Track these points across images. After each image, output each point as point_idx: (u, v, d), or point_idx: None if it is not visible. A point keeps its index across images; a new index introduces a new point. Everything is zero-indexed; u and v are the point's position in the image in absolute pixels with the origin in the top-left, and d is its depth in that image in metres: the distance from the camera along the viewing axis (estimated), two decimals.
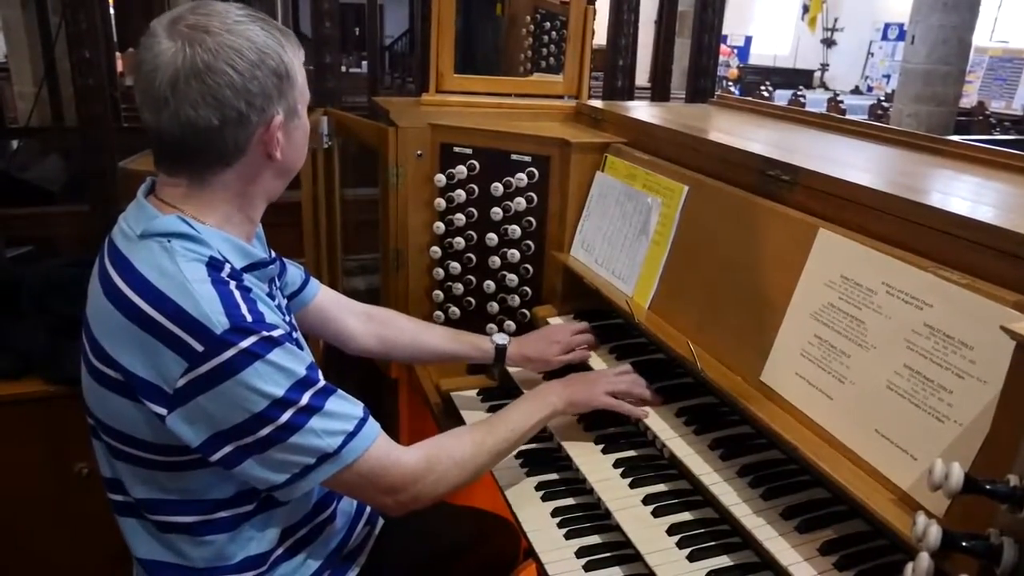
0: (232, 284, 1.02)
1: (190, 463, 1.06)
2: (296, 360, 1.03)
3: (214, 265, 1.02)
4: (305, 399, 1.02)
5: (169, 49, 0.99)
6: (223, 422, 0.99)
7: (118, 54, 6.23)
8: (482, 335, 1.65)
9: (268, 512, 1.16)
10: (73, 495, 2.01)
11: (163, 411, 0.99)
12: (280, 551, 1.20)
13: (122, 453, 1.08)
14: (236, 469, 1.03)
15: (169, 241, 1.02)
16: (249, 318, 0.99)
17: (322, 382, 1.06)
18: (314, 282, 1.49)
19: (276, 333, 1.01)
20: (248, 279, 1.07)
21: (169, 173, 1.08)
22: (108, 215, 1.14)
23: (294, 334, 1.17)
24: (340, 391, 1.08)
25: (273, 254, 1.32)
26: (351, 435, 1.05)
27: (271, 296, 1.16)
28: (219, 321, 0.97)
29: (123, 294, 1.00)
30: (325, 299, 1.50)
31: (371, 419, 1.10)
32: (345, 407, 1.07)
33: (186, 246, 1.02)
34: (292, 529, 1.22)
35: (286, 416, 1.00)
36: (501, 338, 1.64)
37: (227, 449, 1.01)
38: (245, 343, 0.98)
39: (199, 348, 0.97)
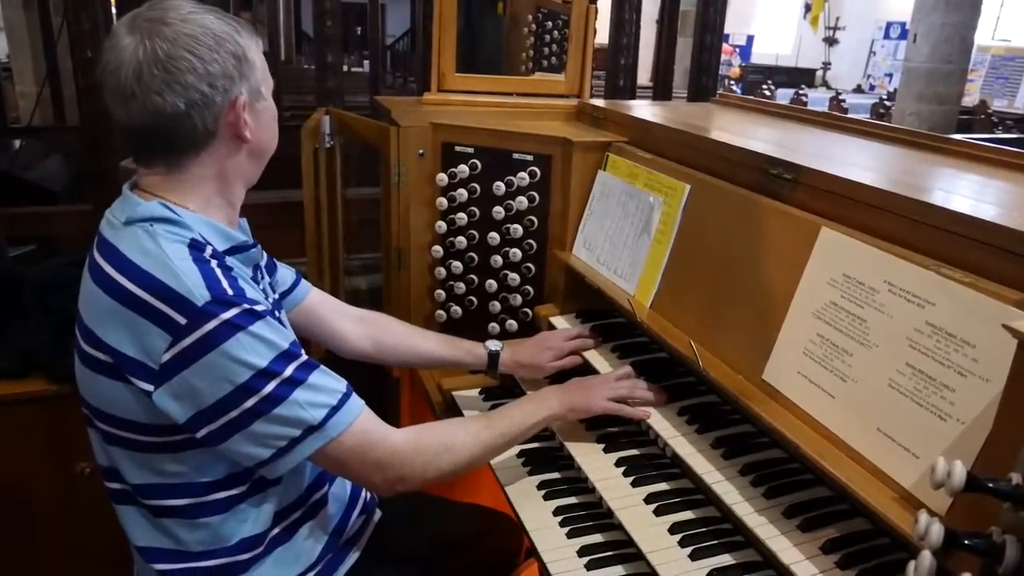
0: (214, 263, 1.05)
1: (181, 444, 1.07)
2: (279, 334, 1.05)
3: (195, 246, 1.05)
4: (288, 371, 1.04)
5: (130, 44, 1.04)
6: (208, 396, 1.01)
7: None
8: (476, 342, 1.65)
9: (261, 493, 1.17)
10: (75, 494, 2.01)
11: (150, 388, 1.01)
12: (276, 531, 1.21)
13: (115, 438, 1.10)
14: (223, 445, 1.04)
15: (152, 225, 1.05)
16: (230, 291, 1.02)
17: (304, 357, 1.08)
18: (305, 283, 1.50)
19: (258, 307, 1.04)
20: (230, 261, 1.10)
21: (147, 165, 1.12)
22: None
23: (277, 313, 1.18)
24: (323, 367, 1.10)
25: (257, 243, 1.33)
26: (335, 408, 1.07)
27: (256, 280, 1.18)
28: (200, 294, 0.99)
29: (109, 277, 1.02)
30: (317, 300, 1.51)
31: (355, 395, 1.12)
32: (329, 381, 1.09)
33: (168, 229, 1.05)
34: (286, 511, 1.23)
35: (270, 387, 1.02)
36: (494, 344, 1.63)
37: (213, 425, 1.02)
38: (227, 315, 1.00)
39: (182, 321, 0.99)
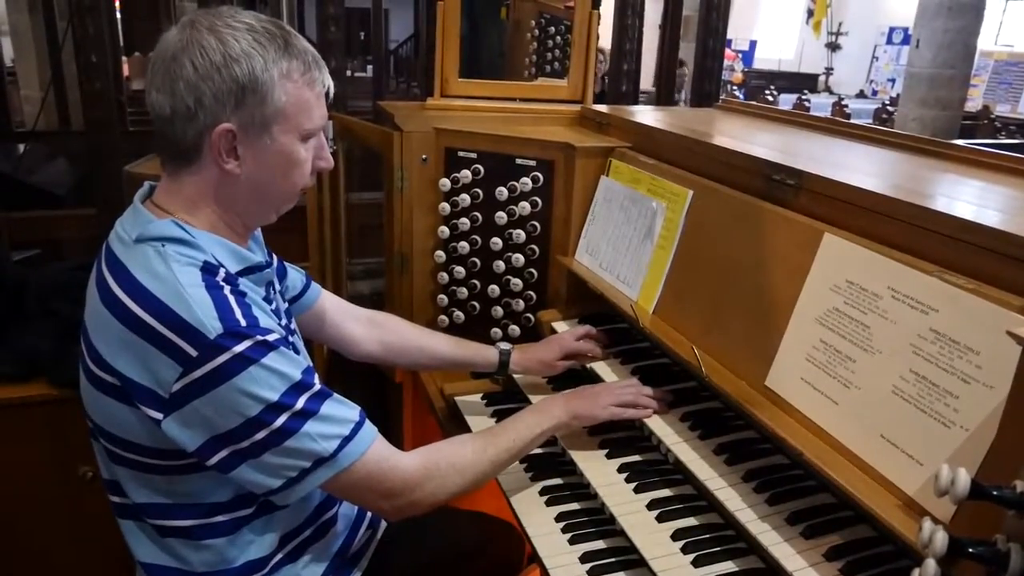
0: (227, 289, 1.02)
1: (187, 467, 1.06)
2: (291, 364, 1.03)
3: (208, 269, 1.03)
4: (300, 403, 1.02)
5: (170, 35, 1.05)
6: (219, 426, 0.99)
7: (124, 58, 6.26)
8: (484, 343, 1.65)
9: (267, 516, 1.16)
10: (77, 498, 2.01)
11: (159, 416, 0.99)
12: (281, 555, 1.20)
13: (120, 457, 1.09)
14: (232, 473, 1.03)
15: (163, 245, 1.02)
16: (243, 323, 1.00)
17: (317, 386, 1.05)
18: (315, 287, 1.49)
19: (271, 337, 1.01)
20: (243, 283, 1.07)
21: (160, 160, 1.12)
22: (114, 218, 1.14)
23: (290, 338, 1.17)
24: (336, 395, 1.08)
25: (273, 257, 1.32)
26: (347, 439, 1.05)
27: (268, 300, 1.16)
28: (213, 326, 0.97)
29: (118, 299, 1.00)
30: (327, 304, 1.50)
31: (368, 423, 1.10)
32: (341, 411, 1.07)
33: (180, 250, 1.03)
34: (293, 533, 1.22)
35: (281, 420, 1.00)
36: (505, 345, 1.64)
37: (223, 453, 1.01)
38: (239, 347, 0.98)
39: (193, 353, 0.97)
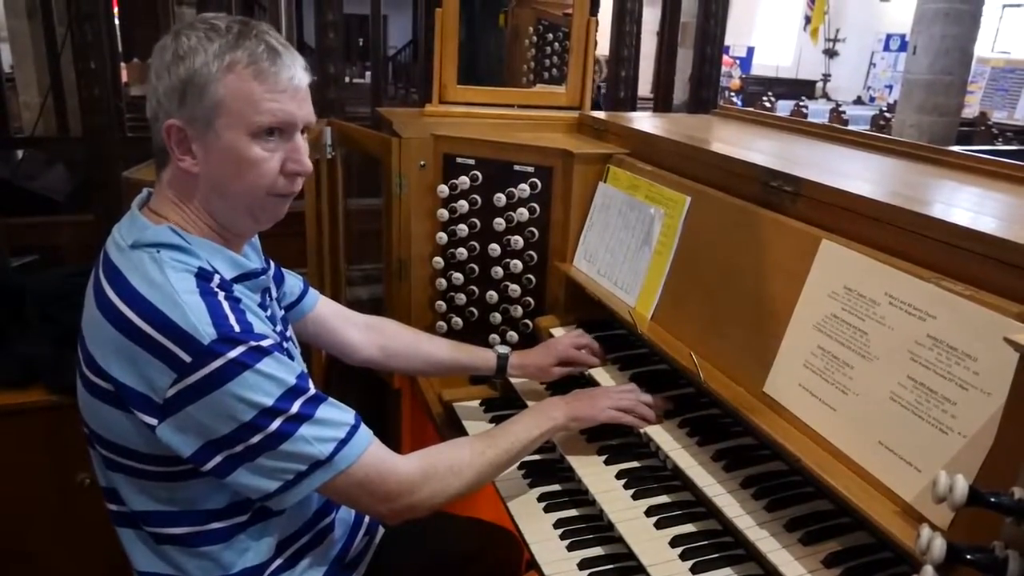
0: (221, 295, 1.02)
1: (183, 473, 1.06)
2: (286, 369, 1.03)
3: (203, 276, 1.03)
4: (295, 408, 1.02)
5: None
6: (213, 432, 0.99)
7: (123, 65, 6.26)
8: (483, 347, 1.65)
9: (264, 522, 1.15)
10: (75, 505, 2.00)
11: (154, 421, 1.00)
12: (279, 561, 1.20)
13: (116, 464, 1.09)
14: (228, 478, 1.03)
15: (158, 252, 1.03)
16: (237, 328, 1.00)
17: (312, 390, 1.06)
18: (313, 292, 1.49)
19: (265, 343, 1.01)
20: (238, 289, 1.08)
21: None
22: (112, 225, 1.14)
23: (285, 344, 1.17)
24: (331, 399, 1.08)
25: (271, 263, 1.32)
26: (343, 442, 1.05)
27: (263, 306, 1.16)
28: (206, 332, 0.97)
29: (113, 305, 1.00)
30: (325, 310, 1.50)
31: (363, 426, 1.10)
32: (336, 414, 1.07)
33: (175, 257, 1.03)
34: (290, 539, 1.22)
35: (276, 424, 1.00)
36: (503, 348, 1.65)
37: (218, 458, 1.01)
38: (233, 353, 0.98)
39: (187, 359, 0.97)
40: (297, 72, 1.08)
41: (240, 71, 1.03)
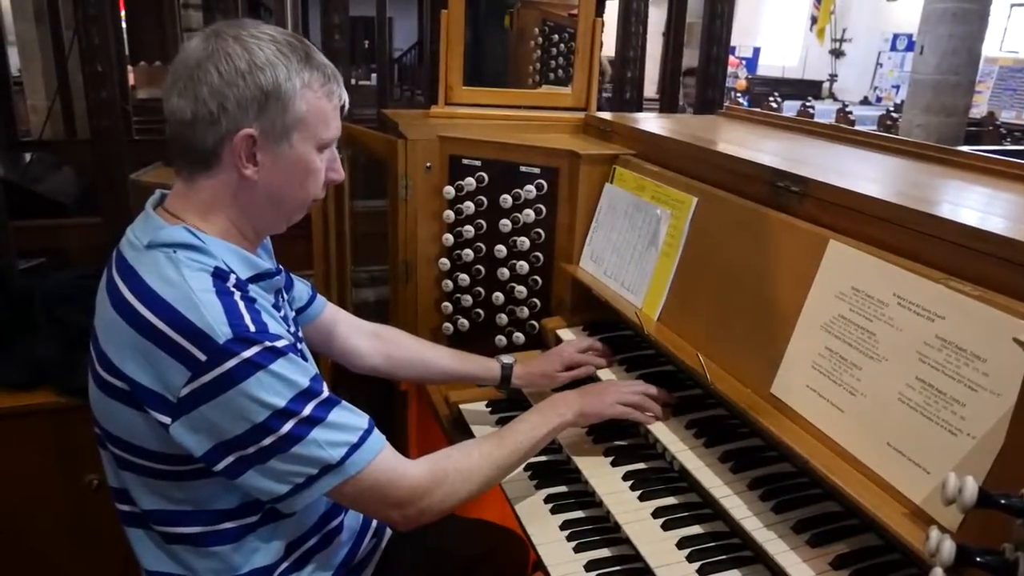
0: (237, 295, 1.03)
1: (195, 473, 1.06)
2: (299, 371, 1.03)
3: (219, 275, 1.04)
4: (307, 410, 1.02)
5: (193, 44, 1.06)
6: (226, 432, 1.00)
7: (130, 68, 6.28)
8: (487, 357, 1.65)
9: (274, 524, 1.16)
10: (84, 506, 2.02)
11: (167, 420, 1.00)
12: (287, 564, 1.20)
13: (128, 463, 1.09)
14: (239, 479, 1.03)
15: (175, 251, 1.03)
16: (252, 328, 1.00)
17: (326, 393, 1.06)
18: (321, 299, 1.50)
19: (280, 343, 1.02)
20: (253, 290, 1.08)
21: (173, 165, 1.13)
22: (120, 227, 1.15)
23: (299, 345, 1.17)
24: (345, 402, 1.08)
25: (280, 269, 1.33)
26: (355, 447, 1.05)
27: (277, 307, 1.17)
28: (222, 331, 0.98)
29: (128, 304, 1.01)
30: (332, 316, 1.51)
31: (376, 431, 1.10)
32: (349, 418, 1.07)
33: (191, 256, 1.04)
34: (298, 542, 1.22)
35: (288, 427, 1.00)
36: (507, 358, 1.64)
37: (230, 459, 1.01)
38: (247, 353, 0.98)
39: (202, 357, 0.97)
40: (345, 94, 1.16)
41: (317, 90, 1.09)
